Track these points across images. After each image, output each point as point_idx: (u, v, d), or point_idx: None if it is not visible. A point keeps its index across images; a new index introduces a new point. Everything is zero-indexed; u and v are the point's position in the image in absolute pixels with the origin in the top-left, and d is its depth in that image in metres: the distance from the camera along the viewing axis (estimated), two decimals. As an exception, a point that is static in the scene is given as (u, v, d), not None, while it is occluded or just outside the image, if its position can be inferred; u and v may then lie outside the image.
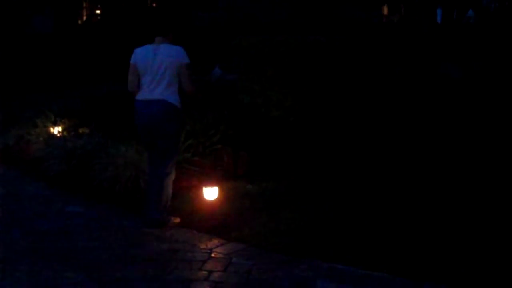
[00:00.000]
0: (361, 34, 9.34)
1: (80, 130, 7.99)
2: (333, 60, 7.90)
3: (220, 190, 5.79)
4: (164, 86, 5.30)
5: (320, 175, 6.87)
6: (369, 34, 9.27)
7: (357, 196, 6.16)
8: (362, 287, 4.27)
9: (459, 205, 5.74)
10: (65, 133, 8.20)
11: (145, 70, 5.32)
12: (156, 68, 5.28)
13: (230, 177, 6.71)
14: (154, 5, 18.53)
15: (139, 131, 5.54)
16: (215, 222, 5.50)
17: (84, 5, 19.83)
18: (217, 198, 5.74)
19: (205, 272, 4.54)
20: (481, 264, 4.54)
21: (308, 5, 14.45)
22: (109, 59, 12.87)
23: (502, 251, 4.74)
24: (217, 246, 5.05)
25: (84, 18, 20.07)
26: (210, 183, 5.77)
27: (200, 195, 5.81)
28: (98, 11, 20.30)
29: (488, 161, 6.67)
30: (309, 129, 7.56)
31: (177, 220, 5.56)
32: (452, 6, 15.59)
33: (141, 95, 5.40)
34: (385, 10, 17.28)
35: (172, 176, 5.51)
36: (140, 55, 5.40)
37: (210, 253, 4.91)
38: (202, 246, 5.06)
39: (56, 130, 8.37)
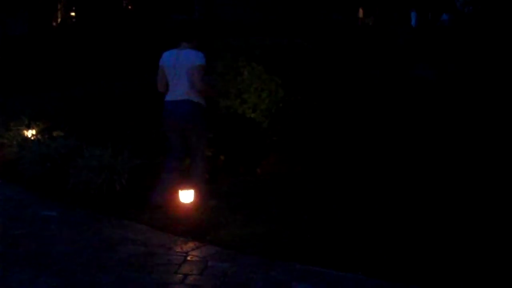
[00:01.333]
0: (336, 37, 9.39)
1: (55, 133, 7.91)
2: (308, 63, 7.93)
3: (196, 193, 5.77)
4: (188, 87, 5.82)
5: (295, 178, 6.91)
6: (344, 36, 9.32)
7: (332, 198, 6.19)
8: (337, 288, 4.31)
9: (437, 205, 5.81)
10: (39, 136, 8.11)
11: (169, 72, 5.89)
12: (178, 71, 5.83)
13: (207, 179, 6.69)
14: (129, 7, 18.45)
15: (166, 128, 6.07)
16: (191, 225, 5.49)
17: (59, 7, 19.65)
18: (193, 201, 5.73)
19: (180, 275, 4.54)
20: (453, 263, 4.60)
21: (285, 7, 14.50)
22: (85, 61, 12.78)
23: (476, 253, 4.81)
24: (193, 249, 5.04)
25: (59, 20, 19.89)
26: (186, 186, 5.76)
27: (176, 197, 5.79)
28: (72, 13, 20.13)
29: (463, 160, 6.75)
30: (284, 131, 7.58)
31: (212, 203, 5.94)
32: (426, 9, 15.75)
33: (169, 96, 5.96)
34: (361, 13, 17.42)
35: (205, 166, 6.13)
36: (166, 58, 5.97)
37: (186, 256, 4.90)
38: (178, 249, 5.05)
39: (30, 133, 8.28)
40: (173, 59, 5.89)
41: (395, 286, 4.32)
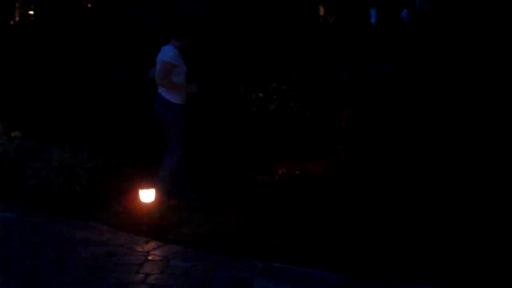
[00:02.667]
0: (296, 34, 9.43)
1: (12, 134, 7.77)
2: (265, 60, 7.96)
3: (157, 192, 5.75)
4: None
5: (255, 175, 6.95)
6: (304, 34, 9.37)
7: (293, 194, 6.26)
8: (299, 284, 4.35)
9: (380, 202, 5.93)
10: (-4, 137, 7.95)
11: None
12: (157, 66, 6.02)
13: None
14: (89, 5, 18.20)
15: None
16: (152, 225, 5.46)
17: (17, 5, 19.28)
18: (154, 200, 5.70)
19: (142, 275, 4.53)
20: (417, 256, 4.69)
21: (245, 5, 14.49)
22: (43, 60, 12.56)
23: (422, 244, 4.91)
24: (154, 249, 5.03)
25: (17, 18, 19.52)
26: (146, 185, 5.73)
27: (136, 197, 5.76)
28: (31, 12, 19.78)
29: (418, 154, 6.87)
30: (245, 130, 7.59)
31: (173, 202, 5.97)
32: (386, 6, 15.92)
33: None
34: (322, 11, 17.50)
35: (172, 164, 6.01)
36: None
37: (147, 255, 4.89)
38: (139, 249, 5.03)
39: (-14, 134, 8.10)
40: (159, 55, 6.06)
41: (358, 281, 4.38)
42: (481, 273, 4.42)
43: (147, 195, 5.66)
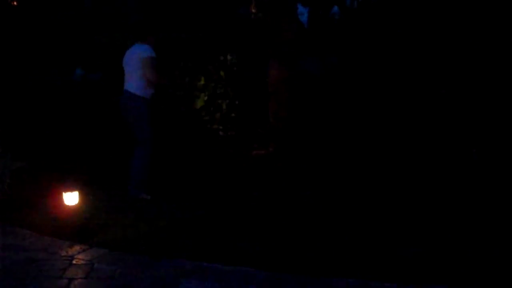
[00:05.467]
0: (226, 30, 9.39)
1: None
2: (192, 57, 7.91)
3: (81, 195, 5.60)
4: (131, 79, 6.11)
5: (184, 175, 6.91)
6: (232, 30, 9.34)
7: (220, 193, 6.27)
8: (225, 282, 4.33)
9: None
10: None
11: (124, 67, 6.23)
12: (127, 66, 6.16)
13: (92, 181, 6.55)
14: (14, 3, 17.65)
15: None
16: (76, 228, 5.32)
17: None
18: (78, 203, 5.55)
19: (65, 280, 4.39)
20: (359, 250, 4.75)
21: (176, 2, 14.34)
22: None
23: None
24: (79, 253, 4.90)
25: None
26: (70, 188, 5.56)
27: (60, 200, 5.60)
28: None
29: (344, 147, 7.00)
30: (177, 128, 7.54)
31: (148, 197, 6.11)
32: (318, 3, 16.06)
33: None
34: (253, 8, 17.53)
35: (145, 159, 6.10)
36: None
37: (71, 260, 4.75)
38: (63, 253, 4.89)
39: None
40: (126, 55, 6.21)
41: (282, 277, 4.40)
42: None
43: (71, 198, 5.50)
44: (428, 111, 7.02)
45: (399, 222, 5.42)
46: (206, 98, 7.50)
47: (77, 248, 4.98)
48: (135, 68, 6.07)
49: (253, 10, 17.38)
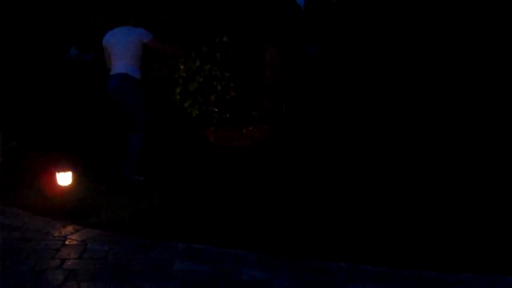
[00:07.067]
0: (222, 12, 9.33)
1: None
2: (186, 38, 7.86)
3: (74, 175, 5.59)
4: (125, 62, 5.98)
5: (176, 160, 6.91)
6: (230, 12, 9.28)
7: (214, 178, 6.25)
8: (218, 263, 4.33)
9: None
10: None
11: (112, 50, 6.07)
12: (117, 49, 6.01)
13: (85, 161, 6.52)
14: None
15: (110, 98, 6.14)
16: (70, 208, 5.32)
17: None
18: (71, 183, 5.54)
19: (58, 260, 4.38)
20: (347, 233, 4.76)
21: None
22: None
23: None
24: (72, 233, 4.89)
25: None
26: (63, 168, 5.55)
27: (53, 180, 5.58)
28: None
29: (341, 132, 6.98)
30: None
31: (141, 178, 6.06)
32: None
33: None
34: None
35: (141, 143, 6.00)
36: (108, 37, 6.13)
37: (65, 240, 4.74)
38: (56, 233, 4.88)
39: None
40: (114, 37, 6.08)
41: (277, 260, 4.40)
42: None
43: (64, 178, 5.49)
44: (425, 94, 7.01)
45: (394, 209, 5.43)
46: (201, 79, 7.46)
47: (70, 228, 4.97)
48: (129, 50, 5.98)
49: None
